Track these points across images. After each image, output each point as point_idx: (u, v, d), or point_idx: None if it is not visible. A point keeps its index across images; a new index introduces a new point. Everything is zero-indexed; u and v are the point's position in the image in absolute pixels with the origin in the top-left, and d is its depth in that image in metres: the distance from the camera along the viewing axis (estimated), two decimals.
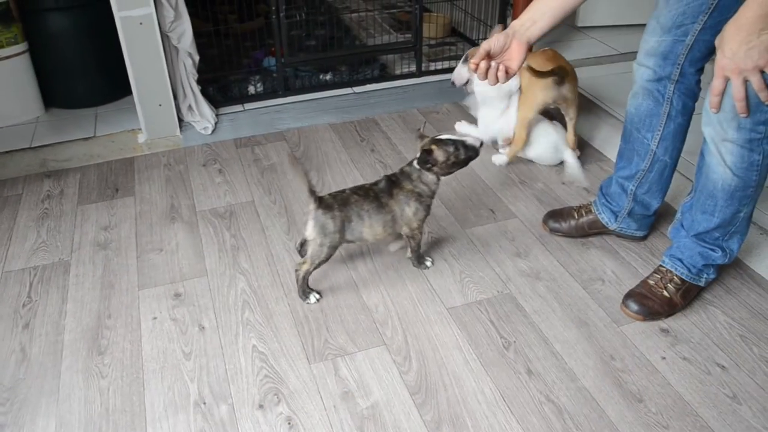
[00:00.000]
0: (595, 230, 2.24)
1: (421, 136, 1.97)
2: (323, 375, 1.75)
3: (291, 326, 1.90)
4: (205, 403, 1.67)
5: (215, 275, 2.09)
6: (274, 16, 2.86)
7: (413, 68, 3.25)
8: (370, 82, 3.18)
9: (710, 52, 1.71)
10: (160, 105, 2.74)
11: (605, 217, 2.20)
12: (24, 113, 2.90)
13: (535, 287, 2.04)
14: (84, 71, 2.93)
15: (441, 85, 3.22)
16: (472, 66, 1.65)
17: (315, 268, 1.96)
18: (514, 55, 1.63)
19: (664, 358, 1.80)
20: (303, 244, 2.06)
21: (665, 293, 1.93)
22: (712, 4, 1.70)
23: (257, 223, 2.33)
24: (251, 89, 3.04)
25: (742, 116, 1.58)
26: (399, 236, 2.08)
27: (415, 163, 1.96)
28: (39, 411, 1.66)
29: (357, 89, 3.14)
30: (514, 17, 3.13)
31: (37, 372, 1.77)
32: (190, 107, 2.84)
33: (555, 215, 2.29)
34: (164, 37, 2.63)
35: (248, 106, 3.00)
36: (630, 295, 1.97)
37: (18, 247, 2.23)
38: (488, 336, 1.86)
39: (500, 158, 2.67)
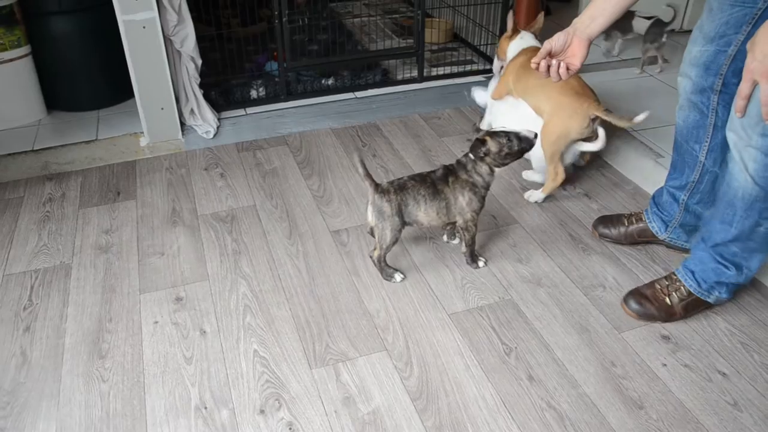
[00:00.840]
0: (644, 239, 2.24)
1: (477, 130, 2.05)
2: (324, 380, 1.75)
3: (292, 331, 1.90)
4: (206, 408, 1.67)
5: (216, 279, 2.10)
6: (276, 21, 2.86)
7: (415, 73, 3.26)
8: (371, 87, 3.19)
9: None
10: (162, 108, 2.75)
11: (655, 226, 2.20)
12: (26, 116, 2.91)
13: (537, 293, 2.04)
14: (87, 74, 2.94)
15: (443, 90, 3.22)
16: (533, 65, 1.73)
17: (387, 251, 2.04)
18: (576, 52, 1.71)
19: (665, 364, 1.80)
20: (372, 232, 2.10)
21: (667, 300, 1.93)
22: (755, 14, 1.68)
23: (259, 228, 2.33)
24: (253, 93, 3.04)
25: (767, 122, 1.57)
26: (454, 229, 2.15)
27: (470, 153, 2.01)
28: (39, 415, 1.66)
29: (359, 94, 3.15)
30: (516, 23, 3.14)
31: (38, 376, 1.77)
32: (192, 111, 2.84)
33: (605, 221, 2.29)
34: (167, 40, 2.64)
35: (250, 110, 3.01)
36: (633, 293, 1.98)
37: (19, 250, 2.23)
38: (489, 342, 1.86)
39: (535, 195, 2.48)
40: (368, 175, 1.95)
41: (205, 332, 1.90)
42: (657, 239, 2.21)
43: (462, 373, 1.76)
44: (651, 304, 1.94)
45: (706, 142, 1.94)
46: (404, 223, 2.01)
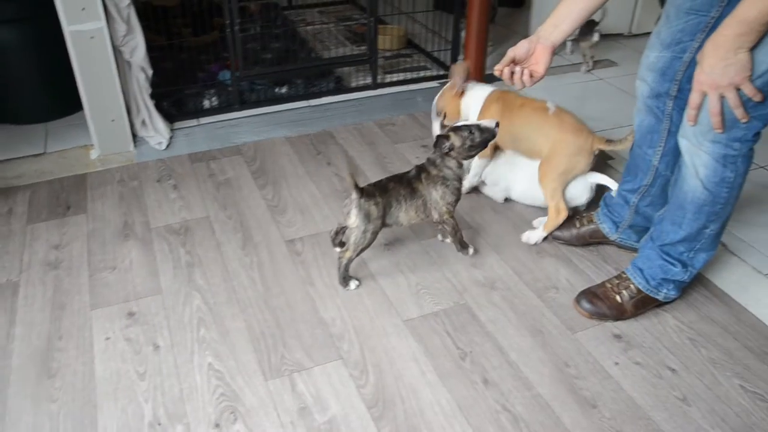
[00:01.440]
0: (595, 240, 2.28)
1: (444, 126, 2.08)
2: (280, 391, 1.74)
3: (247, 342, 1.88)
4: (160, 424, 1.65)
5: (170, 293, 2.07)
6: (228, 30, 2.85)
7: (369, 80, 3.27)
8: (325, 95, 3.19)
9: None
10: (112, 120, 2.71)
11: (606, 227, 2.24)
12: None
13: (491, 297, 2.06)
14: (32, 86, 2.88)
15: (397, 96, 3.24)
16: (497, 72, 1.75)
17: (357, 255, 2.05)
18: (540, 59, 1.75)
19: (617, 363, 1.84)
20: (338, 233, 2.15)
21: (618, 298, 1.97)
22: (709, 23, 1.71)
23: (212, 239, 2.31)
24: (206, 103, 3.02)
25: (717, 131, 1.61)
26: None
27: None
28: None
29: (313, 102, 3.15)
30: (467, 31, 3.17)
31: None
32: (143, 122, 2.80)
33: None
34: (116, 51, 2.60)
35: (203, 120, 2.98)
36: (584, 293, 2.02)
37: None
38: (444, 347, 1.87)
39: (534, 235, 2.31)
40: (355, 181, 1.96)
41: (158, 347, 1.87)
42: (608, 240, 2.25)
43: (417, 379, 1.77)
44: (602, 302, 1.98)
45: (660, 146, 1.98)
46: (384, 226, 2.05)
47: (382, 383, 1.76)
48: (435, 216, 2.10)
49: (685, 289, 2.03)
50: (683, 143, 1.74)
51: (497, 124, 2.03)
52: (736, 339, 1.92)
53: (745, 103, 1.55)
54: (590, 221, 2.27)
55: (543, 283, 2.12)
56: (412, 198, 2.06)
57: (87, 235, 2.33)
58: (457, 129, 2.02)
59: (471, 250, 2.21)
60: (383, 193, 2.01)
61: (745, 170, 1.72)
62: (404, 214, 2.06)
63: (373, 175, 2.67)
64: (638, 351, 1.88)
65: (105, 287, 2.09)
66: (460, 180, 2.10)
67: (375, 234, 2.02)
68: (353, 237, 2.00)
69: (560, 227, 2.29)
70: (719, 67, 1.50)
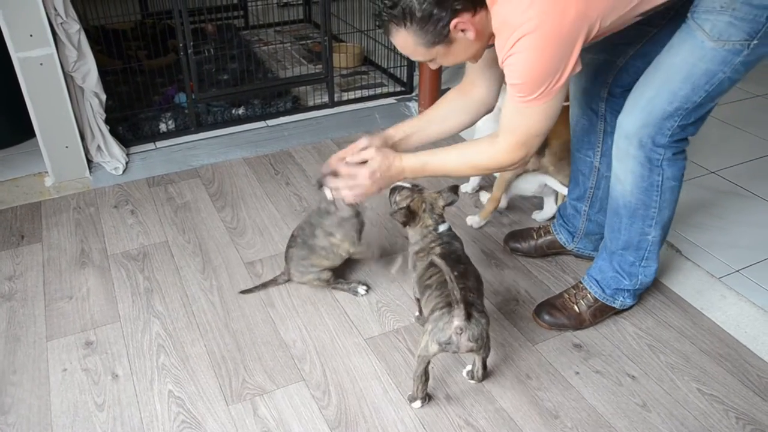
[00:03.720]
0: (553, 250, 2.30)
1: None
2: (242, 416, 1.72)
3: (208, 368, 1.86)
4: None
5: (128, 320, 2.04)
6: (183, 52, 2.83)
7: (326, 99, 3.28)
8: (283, 115, 3.19)
9: (638, 78, 1.74)
10: (66, 147, 2.67)
11: (563, 238, 2.27)
12: None
13: None
14: None
15: (354, 114, 3.25)
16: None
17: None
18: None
19: (577, 373, 1.86)
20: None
21: (576, 308, 2.00)
22: (650, 33, 1.76)
23: (171, 264, 2.28)
24: (163, 127, 2.99)
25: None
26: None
27: None
28: None
29: (270, 122, 3.14)
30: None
31: None
32: (99, 147, 2.77)
33: (515, 236, 2.35)
34: (68, 77, 2.57)
35: (160, 143, 2.95)
36: (543, 305, 2.04)
37: None
38: (406, 364, 1.87)
39: (473, 219, 2.47)
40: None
41: (117, 376, 1.84)
42: (565, 250, 2.29)
43: (380, 398, 1.77)
44: (561, 313, 2.00)
45: (599, 146, 2.03)
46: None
47: (345, 403, 1.75)
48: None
49: (641, 295, 2.07)
50: (614, 150, 1.78)
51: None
52: (693, 343, 1.96)
53: (677, 110, 1.61)
54: (547, 232, 2.30)
55: (503, 296, 2.14)
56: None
57: (42, 264, 2.29)
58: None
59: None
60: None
61: (674, 174, 1.75)
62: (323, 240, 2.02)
63: None
64: (598, 359, 1.90)
65: (61, 317, 2.05)
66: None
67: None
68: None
69: (518, 239, 2.32)
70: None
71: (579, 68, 1.49)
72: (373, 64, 3.76)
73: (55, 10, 2.42)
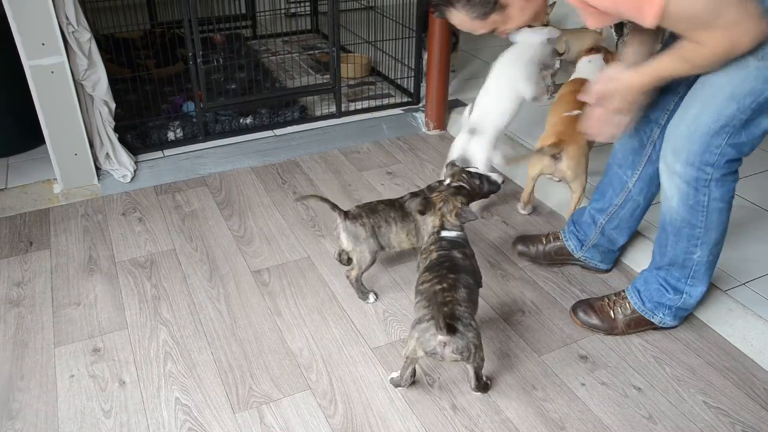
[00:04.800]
0: (560, 257, 2.30)
1: (454, 166, 2.01)
2: (248, 424, 1.72)
3: (215, 375, 1.87)
4: None
5: (136, 327, 2.05)
6: (192, 61, 2.85)
7: (333, 109, 3.29)
8: (290, 125, 3.20)
9: None
10: (75, 154, 2.68)
11: (571, 245, 2.27)
12: None
13: None
14: None
15: (361, 124, 3.27)
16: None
17: (363, 272, 2.12)
18: None
19: (583, 384, 1.86)
20: (341, 254, 2.25)
21: (611, 313, 2.02)
22: None
23: (179, 272, 2.29)
24: (171, 135, 3.01)
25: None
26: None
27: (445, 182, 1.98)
28: None
29: (278, 132, 3.16)
30: (429, 58, 3.22)
31: None
32: (107, 155, 2.79)
33: (524, 239, 2.35)
34: (78, 85, 2.59)
35: (168, 152, 2.97)
36: (582, 303, 2.08)
37: None
38: None
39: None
40: (334, 205, 2.04)
41: (124, 383, 1.85)
42: (573, 258, 2.29)
43: (387, 407, 1.77)
44: (596, 314, 2.02)
45: (638, 170, 2.01)
46: (380, 246, 2.09)
47: (351, 412, 1.76)
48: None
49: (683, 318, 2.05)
50: (661, 166, 1.78)
51: (503, 182, 2.01)
52: (699, 356, 1.96)
53: (723, 127, 1.61)
54: (556, 238, 2.30)
55: (509, 307, 2.14)
56: (403, 221, 2.09)
57: (50, 270, 2.30)
58: (470, 175, 1.96)
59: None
60: (371, 213, 2.07)
61: (722, 196, 1.73)
62: (395, 236, 2.10)
63: (339, 203, 2.68)
64: (604, 371, 1.90)
65: (69, 324, 2.06)
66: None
67: (373, 252, 2.08)
68: (354, 257, 2.09)
69: (527, 243, 2.33)
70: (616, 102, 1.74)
71: None
72: (380, 74, 3.78)
73: (67, 19, 2.45)
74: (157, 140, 2.99)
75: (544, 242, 2.32)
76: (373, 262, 2.10)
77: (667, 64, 1.61)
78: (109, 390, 1.83)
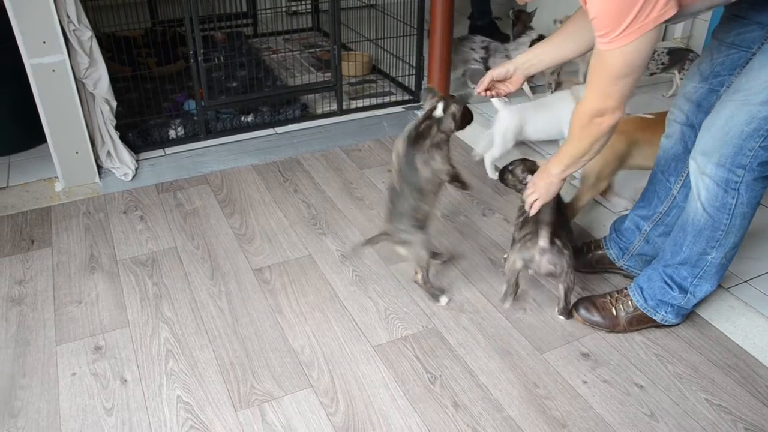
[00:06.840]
0: (602, 266, 2.27)
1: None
2: (250, 422, 1.72)
3: (216, 373, 1.87)
4: None
5: (137, 325, 2.05)
6: (193, 59, 2.85)
7: (334, 107, 3.29)
8: (291, 122, 3.20)
9: None
10: (77, 152, 2.68)
11: (613, 253, 2.23)
12: None
13: (459, 320, 2.07)
14: None
15: (362, 122, 3.26)
16: (477, 93, 2.04)
17: (428, 271, 2.13)
18: (514, 84, 2.00)
19: (585, 382, 1.86)
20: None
21: (614, 311, 2.01)
22: (749, 58, 1.73)
23: (180, 270, 2.29)
24: (172, 133, 3.01)
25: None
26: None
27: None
28: None
29: (279, 130, 3.16)
30: (430, 55, 3.22)
31: None
32: (108, 153, 2.79)
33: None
34: (79, 83, 2.59)
35: (169, 150, 2.97)
36: (584, 300, 2.07)
37: None
38: (414, 371, 1.88)
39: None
40: (377, 236, 2.10)
41: (126, 381, 1.85)
42: (615, 267, 2.25)
43: (388, 405, 1.77)
44: (598, 311, 2.02)
45: (682, 176, 1.99)
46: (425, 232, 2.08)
47: (353, 410, 1.76)
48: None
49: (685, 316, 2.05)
50: (691, 165, 1.77)
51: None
52: (701, 353, 1.96)
53: (756, 130, 1.61)
54: (598, 247, 2.27)
55: (511, 305, 2.14)
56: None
57: (52, 269, 2.30)
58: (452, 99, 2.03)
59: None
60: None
61: (749, 200, 1.73)
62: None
63: (340, 202, 2.69)
64: (606, 369, 1.90)
65: (71, 322, 2.06)
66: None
67: (426, 244, 2.07)
68: (414, 260, 2.10)
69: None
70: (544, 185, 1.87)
71: (670, 13, 1.43)
72: (381, 72, 3.78)
73: (68, 17, 2.45)
74: (158, 138, 2.99)
75: (585, 251, 2.28)
76: (431, 255, 2.11)
77: (567, 148, 1.77)
78: (111, 388, 1.83)
